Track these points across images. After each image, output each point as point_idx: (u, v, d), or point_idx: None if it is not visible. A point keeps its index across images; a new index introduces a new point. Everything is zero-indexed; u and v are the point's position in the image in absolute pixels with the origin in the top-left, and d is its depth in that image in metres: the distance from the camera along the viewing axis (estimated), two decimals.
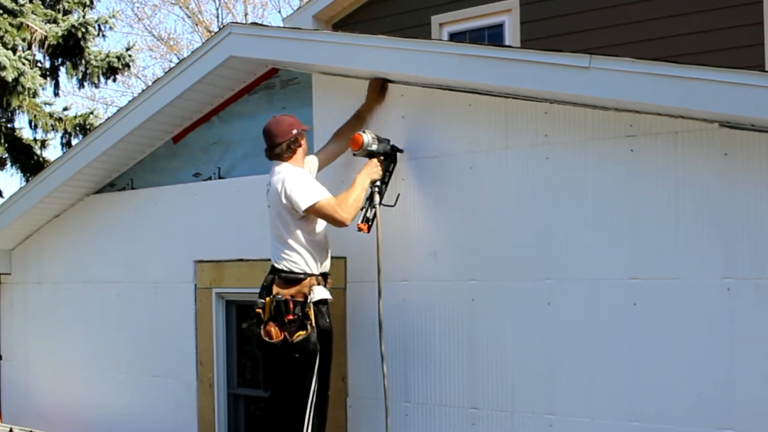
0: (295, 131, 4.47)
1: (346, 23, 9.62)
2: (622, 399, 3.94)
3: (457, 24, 9.07)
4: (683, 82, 3.56)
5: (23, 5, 15.10)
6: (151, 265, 5.97)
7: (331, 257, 4.72)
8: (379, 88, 4.76)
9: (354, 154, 4.56)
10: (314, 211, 4.33)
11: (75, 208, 6.47)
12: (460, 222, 4.47)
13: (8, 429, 5.33)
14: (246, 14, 26.53)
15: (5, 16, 14.81)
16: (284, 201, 4.35)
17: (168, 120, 5.64)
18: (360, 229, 4.48)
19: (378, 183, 4.52)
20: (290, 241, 4.41)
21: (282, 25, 12.19)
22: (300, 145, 4.52)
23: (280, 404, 4.56)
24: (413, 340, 4.61)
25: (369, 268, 4.75)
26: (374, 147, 4.46)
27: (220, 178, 5.55)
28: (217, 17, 27.02)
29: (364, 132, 4.45)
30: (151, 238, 5.96)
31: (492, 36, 8.79)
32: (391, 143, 4.61)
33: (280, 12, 28.28)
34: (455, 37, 8.97)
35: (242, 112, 5.48)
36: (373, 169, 4.49)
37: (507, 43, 8.53)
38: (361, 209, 4.47)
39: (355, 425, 4.85)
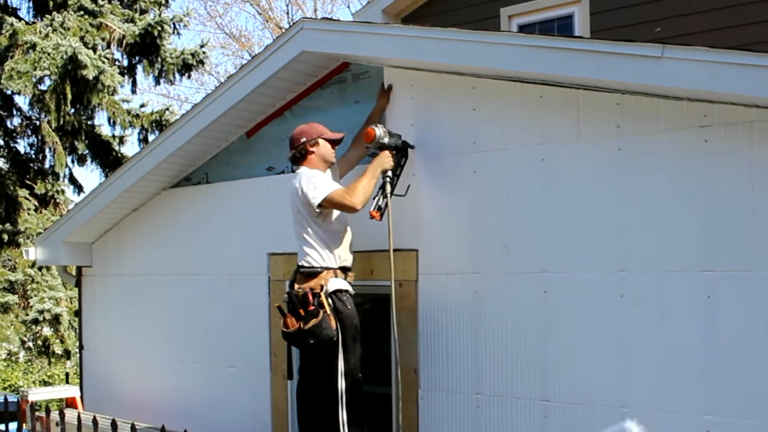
0: (303, 139, 4.74)
1: (416, 17, 9.64)
2: (695, 391, 3.89)
3: (526, 16, 9.01)
4: (758, 70, 3.49)
5: (102, 6, 15.55)
6: (225, 258, 6.09)
7: (403, 249, 4.84)
8: (383, 89, 5.07)
9: (367, 147, 4.88)
10: (327, 203, 4.54)
11: (152, 202, 6.63)
12: (532, 214, 4.46)
13: (91, 416, 5.51)
14: (315, 10, 26.76)
15: (86, 16, 15.27)
16: (301, 199, 4.60)
17: (242, 115, 5.74)
18: (372, 216, 4.70)
19: (389, 174, 4.73)
20: (308, 238, 4.64)
21: (352, 19, 12.26)
22: (311, 152, 4.76)
23: (311, 399, 4.72)
24: (485, 332, 4.62)
25: (441, 260, 4.81)
26: (386, 140, 4.72)
27: (292, 171, 5.59)
28: (287, 13, 27.41)
29: (376, 126, 4.71)
30: (226, 231, 6.09)
31: (561, 27, 8.71)
32: (403, 139, 4.83)
33: (348, 7, 28.42)
34: (525, 29, 8.92)
35: (314, 106, 5.54)
36: (384, 160, 4.71)
37: (577, 34, 8.45)
38: (374, 198, 4.69)
39: (426, 417, 4.88)
